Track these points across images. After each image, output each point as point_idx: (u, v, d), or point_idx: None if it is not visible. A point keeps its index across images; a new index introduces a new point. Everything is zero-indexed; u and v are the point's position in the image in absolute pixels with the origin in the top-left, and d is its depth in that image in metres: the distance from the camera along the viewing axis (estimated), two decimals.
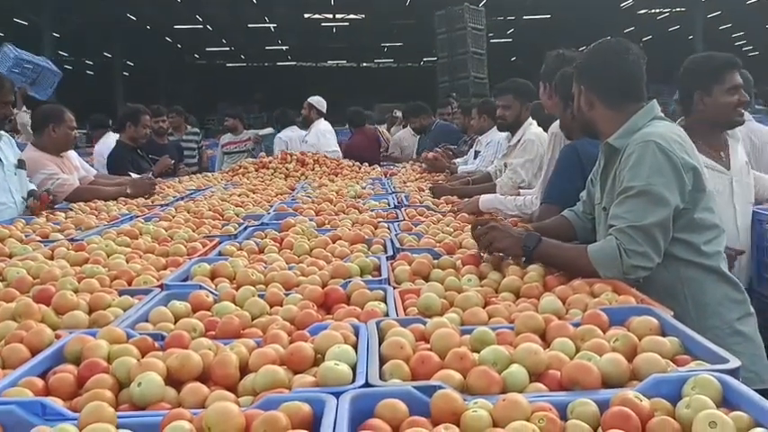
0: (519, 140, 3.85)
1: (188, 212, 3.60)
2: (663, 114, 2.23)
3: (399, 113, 10.26)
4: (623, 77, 2.21)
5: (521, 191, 3.67)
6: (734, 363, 1.29)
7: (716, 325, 2.10)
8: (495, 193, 3.71)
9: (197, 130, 8.33)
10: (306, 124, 7.75)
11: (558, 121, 3.35)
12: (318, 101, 7.69)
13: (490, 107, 5.38)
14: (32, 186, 3.93)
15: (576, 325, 1.58)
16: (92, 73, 33.87)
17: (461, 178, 4.71)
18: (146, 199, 4.31)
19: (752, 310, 2.21)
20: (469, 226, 3.05)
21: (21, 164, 3.83)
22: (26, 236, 2.99)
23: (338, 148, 7.53)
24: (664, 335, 1.52)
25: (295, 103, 8.95)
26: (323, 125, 7.66)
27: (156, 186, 4.60)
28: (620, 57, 2.22)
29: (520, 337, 1.50)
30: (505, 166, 4.01)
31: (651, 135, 2.06)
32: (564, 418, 1.16)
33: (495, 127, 5.29)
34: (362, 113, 8.66)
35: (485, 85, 11.49)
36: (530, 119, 3.85)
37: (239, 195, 4.32)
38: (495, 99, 4.16)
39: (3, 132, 3.79)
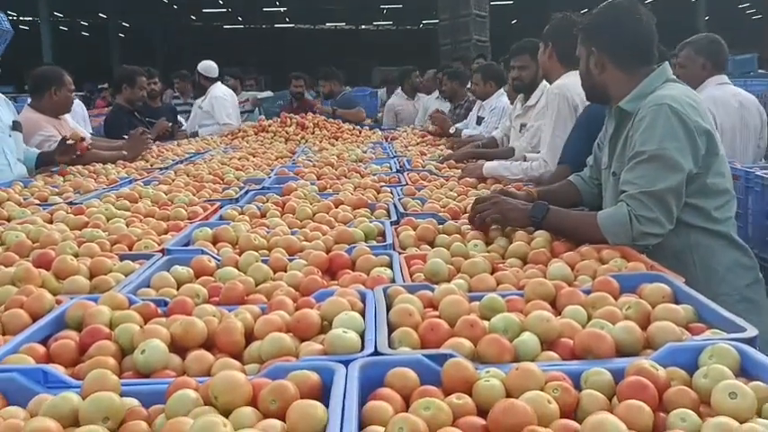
0: (537, 101, 3.79)
1: (188, 176, 3.55)
2: (675, 77, 2.18)
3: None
4: (636, 38, 2.15)
5: (526, 155, 3.63)
6: (751, 331, 1.26)
7: (725, 291, 2.07)
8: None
9: None
10: (201, 92, 7.00)
11: (558, 82, 3.31)
12: (206, 67, 6.83)
13: (495, 71, 5.29)
14: (33, 149, 3.90)
15: (587, 292, 1.55)
16: (87, 34, 33.42)
17: (466, 143, 4.66)
18: (144, 162, 4.27)
19: (761, 276, 2.18)
20: (473, 190, 3.04)
21: (16, 125, 3.76)
22: (24, 199, 2.95)
23: (232, 120, 6.66)
24: (677, 302, 1.49)
25: (293, 66, 8.81)
26: (218, 90, 6.78)
27: (149, 140, 4.55)
28: (633, 17, 2.16)
29: (530, 304, 1.47)
30: (522, 126, 3.94)
31: (664, 98, 2.00)
32: (578, 387, 1.14)
33: (500, 91, 5.25)
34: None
35: (486, 48, 11.33)
36: (544, 81, 3.78)
37: (239, 159, 4.27)
38: (510, 60, 4.07)
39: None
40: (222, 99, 6.73)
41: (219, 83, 6.93)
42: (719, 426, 0.98)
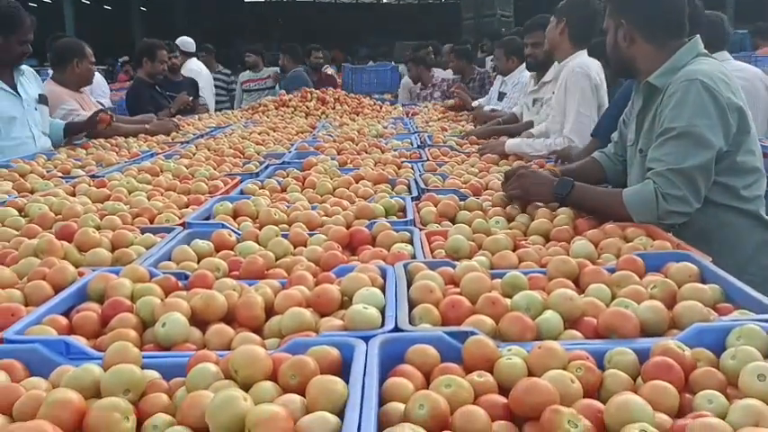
0: (553, 77, 3.74)
1: (208, 150, 3.55)
2: (707, 51, 2.12)
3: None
4: (667, 10, 2.09)
5: (536, 126, 3.60)
6: None
7: (752, 272, 2.03)
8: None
9: (228, 71, 8.30)
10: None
11: (578, 60, 3.27)
12: (183, 42, 7.38)
13: (517, 46, 5.22)
14: (59, 120, 3.94)
15: (611, 270, 1.53)
16: (109, 8, 33.42)
17: (488, 118, 4.61)
18: (166, 136, 4.28)
19: None
20: (495, 167, 3.01)
21: (42, 99, 3.79)
22: (47, 171, 2.97)
23: (204, 94, 7.10)
24: (704, 282, 1.46)
25: (314, 41, 8.73)
26: (192, 65, 7.34)
27: (179, 128, 4.59)
28: None
29: (553, 282, 1.45)
30: (534, 102, 3.90)
31: (696, 73, 1.95)
32: (601, 367, 1.12)
33: (522, 66, 5.17)
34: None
35: (510, 23, 11.15)
36: None
37: (260, 133, 4.27)
38: (523, 36, 4.02)
39: (26, 67, 3.75)
40: (196, 72, 7.19)
41: (195, 58, 7.44)
42: (747, 408, 0.95)
